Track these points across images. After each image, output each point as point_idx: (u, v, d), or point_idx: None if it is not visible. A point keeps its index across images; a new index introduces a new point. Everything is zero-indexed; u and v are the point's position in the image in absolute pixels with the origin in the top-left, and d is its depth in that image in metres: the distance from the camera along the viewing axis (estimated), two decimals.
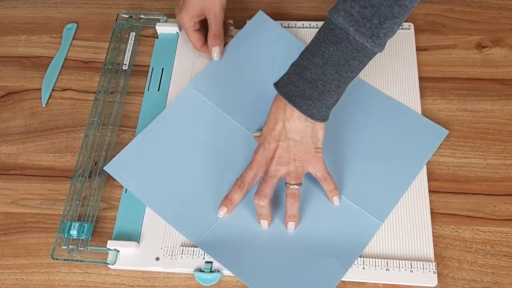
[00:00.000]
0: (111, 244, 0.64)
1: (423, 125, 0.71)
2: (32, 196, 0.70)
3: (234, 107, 0.74)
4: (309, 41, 0.60)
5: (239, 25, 0.81)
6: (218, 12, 0.74)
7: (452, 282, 0.62)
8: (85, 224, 0.66)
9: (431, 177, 0.68)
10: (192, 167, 0.69)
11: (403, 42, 0.78)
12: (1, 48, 0.84)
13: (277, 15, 0.82)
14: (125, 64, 0.79)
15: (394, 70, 0.76)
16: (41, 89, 0.79)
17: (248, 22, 0.80)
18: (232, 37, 0.79)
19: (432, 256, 0.63)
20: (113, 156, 0.71)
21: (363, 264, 0.62)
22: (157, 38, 0.82)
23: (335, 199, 0.65)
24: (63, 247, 0.65)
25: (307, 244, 0.64)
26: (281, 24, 0.80)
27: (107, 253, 0.64)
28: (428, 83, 0.75)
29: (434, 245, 0.64)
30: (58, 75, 0.80)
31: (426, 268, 0.61)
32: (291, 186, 0.63)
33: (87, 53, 0.82)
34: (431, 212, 0.66)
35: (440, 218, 0.66)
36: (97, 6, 0.87)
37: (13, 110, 0.78)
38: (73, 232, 0.65)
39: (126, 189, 0.69)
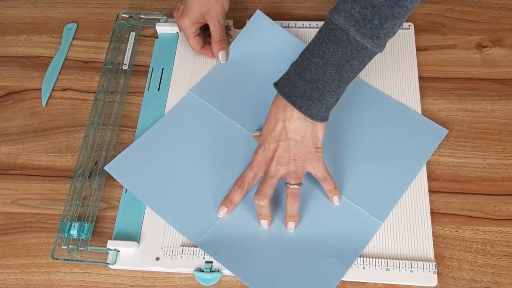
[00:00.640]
0: (111, 244, 0.64)
1: (423, 124, 0.71)
2: (32, 196, 0.70)
3: (233, 108, 0.74)
4: (309, 41, 0.60)
5: (239, 25, 0.81)
6: (221, 18, 0.75)
7: (452, 282, 0.62)
8: (85, 224, 0.66)
9: (431, 177, 0.68)
10: (192, 167, 0.69)
11: (403, 42, 0.78)
12: (1, 48, 0.84)
13: (277, 15, 0.82)
14: (125, 64, 0.79)
15: (394, 70, 0.76)
16: (41, 89, 0.79)
17: (247, 22, 0.80)
18: (231, 37, 0.80)
19: (432, 256, 0.63)
20: (113, 156, 0.71)
21: (363, 264, 0.62)
22: (157, 38, 0.82)
23: (335, 199, 0.65)
24: (63, 247, 0.65)
25: (307, 244, 0.64)
26: (281, 24, 0.80)
27: (107, 253, 0.64)
28: (428, 83, 0.76)
29: (434, 245, 0.64)
30: (58, 75, 0.80)
31: (426, 268, 0.61)
32: (291, 186, 0.63)
33: (87, 53, 0.82)
34: (431, 212, 0.66)
35: (440, 218, 0.66)
36: (97, 6, 0.87)
37: (13, 110, 0.78)
38: (73, 232, 0.65)
39: (126, 189, 0.69)
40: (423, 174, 0.68)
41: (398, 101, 0.73)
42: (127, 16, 0.83)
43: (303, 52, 0.60)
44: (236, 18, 0.82)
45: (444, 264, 0.63)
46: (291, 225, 0.64)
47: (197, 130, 0.72)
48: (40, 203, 0.70)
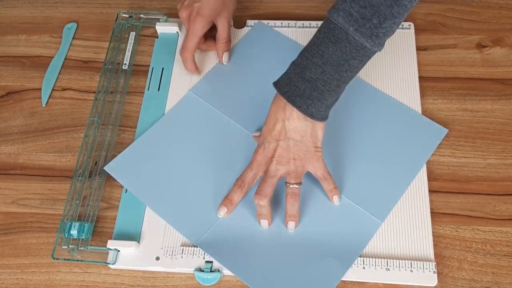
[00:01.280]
0: (111, 244, 0.64)
1: (423, 124, 0.71)
2: (32, 196, 0.70)
3: (233, 108, 0.74)
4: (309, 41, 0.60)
5: (239, 25, 0.81)
6: (229, 19, 0.75)
7: (452, 282, 0.62)
8: (85, 224, 0.66)
9: (431, 177, 0.68)
10: (192, 167, 0.69)
11: (403, 41, 0.78)
12: (1, 48, 0.84)
13: (277, 15, 0.82)
14: (125, 63, 0.79)
15: (394, 70, 0.76)
16: (41, 89, 0.79)
17: (248, 30, 0.80)
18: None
19: (432, 256, 0.63)
20: (113, 156, 0.71)
21: (363, 264, 0.62)
22: (157, 37, 0.82)
23: (335, 199, 0.65)
24: (64, 247, 0.65)
25: (307, 243, 0.64)
26: (281, 23, 0.80)
27: (107, 253, 0.64)
28: (428, 83, 0.75)
29: (434, 244, 0.64)
30: (58, 75, 0.80)
31: (426, 268, 0.61)
32: (291, 186, 0.63)
33: (87, 52, 0.82)
34: (431, 212, 0.65)
35: (440, 218, 0.66)
36: (97, 6, 0.87)
37: (13, 110, 0.78)
38: (73, 232, 0.65)
39: (126, 189, 0.69)
40: (423, 174, 0.68)
41: (398, 101, 0.73)
42: (127, 16, 0.84)
43: (302, 52, 0.60)
44: (236, 18, 0.82)
45: (444, 264, 0.63)
46: (291, 224, 0.64)
47: (197, 130, 0.72)
48: (40, 203, 0.70)
